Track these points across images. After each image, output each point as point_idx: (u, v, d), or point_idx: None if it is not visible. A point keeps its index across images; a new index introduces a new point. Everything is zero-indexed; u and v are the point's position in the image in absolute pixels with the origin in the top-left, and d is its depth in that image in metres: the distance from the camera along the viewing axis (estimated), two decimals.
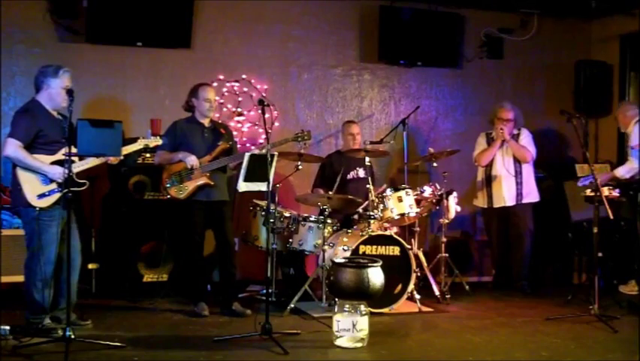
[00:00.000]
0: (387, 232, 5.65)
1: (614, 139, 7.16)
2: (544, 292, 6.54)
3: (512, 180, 6.52)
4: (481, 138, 6.75)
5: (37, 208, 4.53)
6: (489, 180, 6.62)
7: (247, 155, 4.88)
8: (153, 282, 5.99)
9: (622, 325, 5.12)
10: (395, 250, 5.59)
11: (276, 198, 5.80)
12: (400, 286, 5.56)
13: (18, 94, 6.14)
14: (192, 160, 5.31)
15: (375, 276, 4.66)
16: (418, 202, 5.92)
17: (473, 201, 6.86)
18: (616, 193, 5.69)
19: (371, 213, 5.64)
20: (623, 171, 6.31)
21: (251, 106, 6.82)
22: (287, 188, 6.65)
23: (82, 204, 5.17)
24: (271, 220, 5.28)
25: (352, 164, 6.37)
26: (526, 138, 6.62)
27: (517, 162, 6.55)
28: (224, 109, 6.71)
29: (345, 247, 5.46)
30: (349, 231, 5.73)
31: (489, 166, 6.61)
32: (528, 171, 6.58)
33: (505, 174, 6.53)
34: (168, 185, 5.38)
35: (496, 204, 6.59)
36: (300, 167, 5.67)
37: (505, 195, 6.53)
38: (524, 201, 6.54)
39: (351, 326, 4.48)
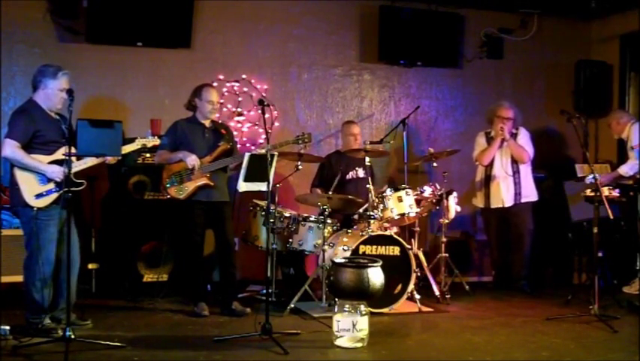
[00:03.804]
0: (387, 232, 5.65)
1: (614, 139, 7.14)
2: (544, 292, 6.54)
3: (510, 180, 6.51)
4: (480, 138, 6.73)
5: (35, 208, 4.52)
6: (488, 180, 6.61)
7: (247, 155, 4.88)
8: (153, 282, 5.99)
9: (622, 325, 5.12)
10: (395, 250, 5.59)
11: (276, 198, 5.80)
12: (399, 286, 5.56)
13: (18, 94, 6.13)
14: (193, 160, 5.31)
15: (375, 276, 4.66)
16: (418, 202, 5.91)
17: (472, 200, 6.85)
18: (616, 193, 5.69)
19: (371, 213, 5.64)
20: (626, 168, 6.46)
21: (251, 106, 6.82)
22: (287, 188, 6.66)
23: (81, 204, 5.17)
24: (271, 220, 5.28)
25: (352, 164, 6.37)
26: (524, 138, 6.61)
27: (515, 162, 6.54)
28: (224, 109, 6.71)
29: (345, 247, 5.46)
30: (349, 231, 5.73)
31: (489, 166, 6.60)
32: (526, 170, 6.57)
33: (503, 174, 6.51)
34: (168, 185, 5.38)
35: (494, 205, 6.58)
36: (300, 167, 5.67)
37: (503, 195, 6.52)
38: (523, 200, 6.54)
39: (351, 326, 4.48)
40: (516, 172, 6.52)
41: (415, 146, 7.33)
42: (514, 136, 6.57)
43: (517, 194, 6.52)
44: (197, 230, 5.43)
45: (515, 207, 6.53)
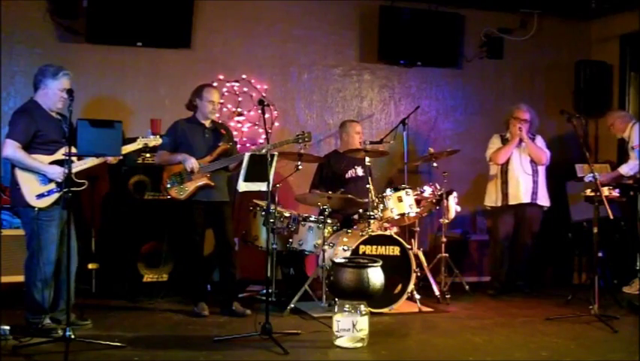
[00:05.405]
0: (387, 232, 5.65)
1: (614, 139, 7.16)
2: (544, 292, 6.54)
3: (529, 179, 6.43)
4: (495, 139, 6.62)
5: (37, 208, 4.52)
6: (505, 178, 6.48)
7: (247, 155, 4.88)
8: (153, 282, 5.98)
9: (622, 325, 5.12)
10: (395, 250, 5.59)
11: (276, 198, 5.80)
12: (400, 286, 5.56)
13: (18, 94, 6.14)
14: (191, 164, 5.30)
15: (375, 276, 4.66)
16: (418, 202, 5.91)
17: (485, 200, 6.68)
18: (616, 193, 5.69)
19: (371, 213, 5.64)
20: (627, 169, 6.47)
21: (251, 106, 6.83)
22: (287, 188, 6.65)
23: (81, 205, 5.17)
24: (271, 220, 5.28)
25: (351, 163, 6.37)
26: (541, 143, 6.58)
27: (533, 162, 6.50)
28: (225, 109, 6.71)
29: (345, 247, 5.46)
30: (349, 231, 5.73)
31: (505, 164, 6.49)
32: (542, 173, 6.51)
33: (522, 172, 6.42)
34: (169, 185, 5.38)
35: (512, 202, 6.44)
36: (300, 167, 5.67)
37: (522, 192, 6.40)
38: (538, 202, 6.47)
39: (351, 326, 4.48)
40: (535, 172, 6.47)
41: (415, 146, 7.33)
42: (531, 140, 6.50)
43: (534, 193, 6.44)
44: (197, 230, 5.43)
45: (531, 207, 6.47)
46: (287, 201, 6.51)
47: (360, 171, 6.35)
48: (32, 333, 4.40)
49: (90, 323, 4.86)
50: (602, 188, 5.40)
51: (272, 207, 5.37)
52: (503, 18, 7.64)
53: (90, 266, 5.85)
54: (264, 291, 5.54)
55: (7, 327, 4.44)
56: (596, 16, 7.76)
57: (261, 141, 6.70)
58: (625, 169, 6.47)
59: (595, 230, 5.38)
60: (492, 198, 6.62)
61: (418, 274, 5.89)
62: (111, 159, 4.79)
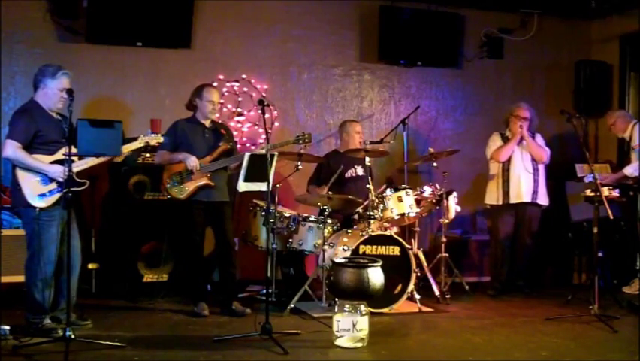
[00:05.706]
0: (387, 232, 5.65)
1: (614, 139, 7.16)
2: (544, 292, 6.54)
3: (530, 178, 6.43)
4: (495, 137, 6.61)
5: (37, 208, 4.52)
6: (506, 176, 6.47)
7: (247, 155, 4.88)
8: (153, 282, 5.99)
9: (622, 325, 5.12)
10: (395, 250, 5.59)
11: (276, 198, 5.80)
12: (400, 286, 5.56)
13: (18, 94, 6.14)
14: (192, 162, 5.31)
15: (375, 276, 4.66)
16: (418, 202, 5.92)
17: (485, 198, 6.64)
18: (616, 193, 5.68)
19: (371, 213, 5.64)
20: (631, 170, 6.46)
21: (251, 106, 6.83)
22: (287, 188, 6.66)
23: (82, 204, 5.17)
24: (271, 220, 5.28)
25: (350, 162, 6.37)
26: (541, 141, 6.59)
27: (534, 160, 6.50)
28: (225, 109, 6.71)
29: (345, 247, 5.46)
30: (349, 231, 5.73)
31: (506, 163, 6.48)
32: (543, 172, 6.52)
33: (523, 170, 6.43)
34: (169, 185, 5.38)
35: (513, 200, 6.43)
36: (300, 167, 5.67)
37: (523, 190, 6.40)
38: (538, 201, 6.48)
39: (351, 326, 4.48)
40: (535, 170, 6.47)
41: (415, 146, 7.33)
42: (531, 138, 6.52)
43: (535, 192, 6.45)
44: (197, 230, 5.43)
45: (531, 207, 6.46)
46: (287, 201, 6.52)
47: (360, 171, 6.35)
48: (32, 333, 4.40)
49: (90, 323, 4.87)
50: (602, 188, 5.39)
51: (272, 207, 5.37)
52: (503, 18, 7.64)
53: (90, 266, 5.85)
54: (264, 291, 5.53)
55: (7, 327, 4.44)
56: (596, 16, 7.77)
57: (261, 141, 6.70)
58: (629, 170, 6.47)
59: (595, 230, 5.38)
60: (492, 197, 6.59)
61: (418, 274, 5.89)
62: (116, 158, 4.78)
